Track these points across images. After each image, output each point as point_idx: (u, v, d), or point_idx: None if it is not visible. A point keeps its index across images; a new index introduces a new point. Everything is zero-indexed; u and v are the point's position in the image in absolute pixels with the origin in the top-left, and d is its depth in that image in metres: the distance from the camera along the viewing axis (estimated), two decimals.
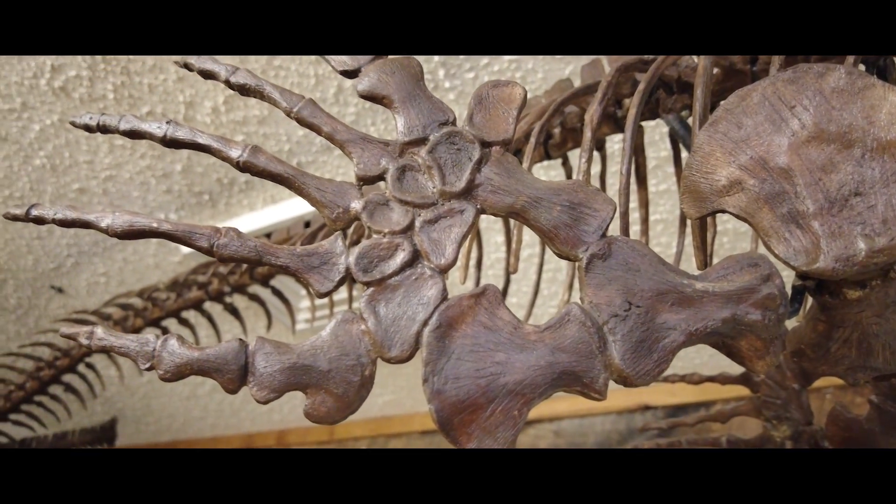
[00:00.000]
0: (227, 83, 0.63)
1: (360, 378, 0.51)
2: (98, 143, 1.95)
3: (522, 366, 0.50)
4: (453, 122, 0.59)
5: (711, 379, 1.20)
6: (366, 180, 0.57)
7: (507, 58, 1.62)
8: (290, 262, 0.54)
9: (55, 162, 2.01)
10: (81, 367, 2.61)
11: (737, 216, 0.59)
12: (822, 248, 0.53)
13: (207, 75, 0.65)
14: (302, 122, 0.60)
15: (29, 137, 1.93)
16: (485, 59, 1.62)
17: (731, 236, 1.91)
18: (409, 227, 0.55)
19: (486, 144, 0.58)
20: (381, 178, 0.57)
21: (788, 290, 0.56)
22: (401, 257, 0.54)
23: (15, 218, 0.57)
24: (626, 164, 0.70)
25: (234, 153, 0.57)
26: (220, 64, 0.64)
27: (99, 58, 1.68)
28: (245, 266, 1.63)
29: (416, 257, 0.54)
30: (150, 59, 1.70)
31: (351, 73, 0.61)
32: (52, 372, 1.80)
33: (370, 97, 0.60)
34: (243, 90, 0.62)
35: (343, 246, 0.55)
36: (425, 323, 0.51)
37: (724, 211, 0.60)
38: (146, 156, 1.99)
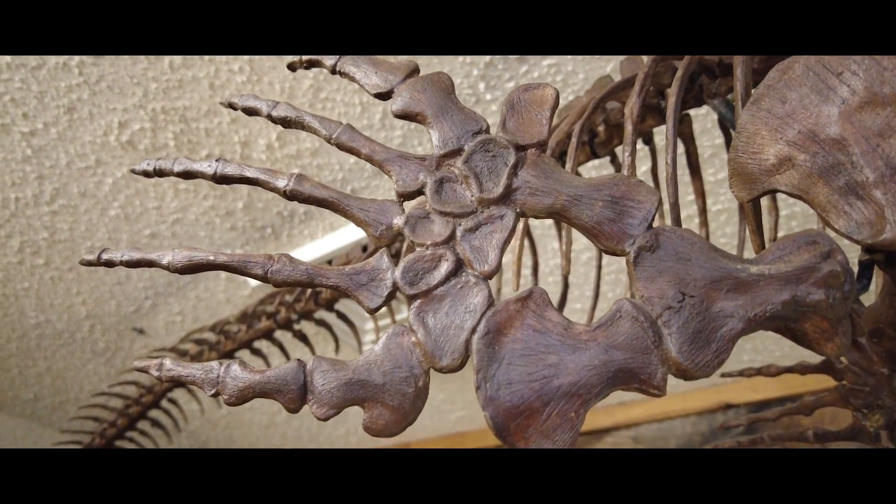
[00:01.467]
0: (269, 117, 0.65)
1: (414, 389, 0.51)
2: (164, 189, 2.07)
3: (576, 366, 0.49)
4: (487, 130, 0.59)
5: (790, 370, 1.14)
6: (406, 196, 0.58)
7: (546, 62, 1.62)
8: (340, 281, 0.56)
9: (128, 211, 2.14)
10: (165, 403, 2.74)
11: (790, 194, 0.56)
12: (888, 218, 0.50)
13: (251, 112, 0.67)
14: (342, 147, 0.61)
15: (104, 191, 2.06)
16: (524, 67, 1.62)
17: (800, 220, 1.82)
18: (451, 238, 0.55)
19: (521, 148, 0.58)
20: (420, 192, 0.58)
21: (854, 268, 0.53)
22: (444, 267, 0.54)
23: (89, 263, 0.61)
24: (670, 153, 0.69)
25: (281, 183, 0.60)
26: (261, 100, 0.67)
27: (158, 108, 1.79)
28: (309, 293, 1.67)
29: (459, 266, 0.54)
30: (204, 105, 1.79)
31: (384, 95, 0.63)
32: (138, 408, 1.89)
33: (405, 116, 0.61)
34: (285, 123, 0.65)
35: (389, 261, 0.56)
36: (473, 330, 0.51)
37: (776, 191, 0.58)
38: (209, 196, 2.09)
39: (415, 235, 0.56)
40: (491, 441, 3.02)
